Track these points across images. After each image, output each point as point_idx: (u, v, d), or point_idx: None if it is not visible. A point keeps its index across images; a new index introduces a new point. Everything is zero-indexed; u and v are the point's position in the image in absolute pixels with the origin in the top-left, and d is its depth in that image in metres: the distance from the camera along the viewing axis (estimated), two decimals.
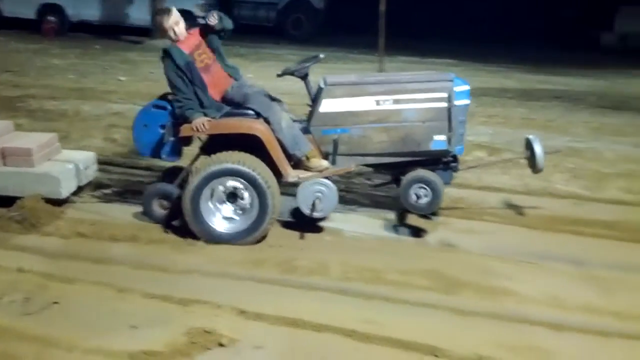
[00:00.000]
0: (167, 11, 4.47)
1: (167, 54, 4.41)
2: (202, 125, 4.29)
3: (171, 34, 4.44)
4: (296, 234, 4.55)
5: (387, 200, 5.21)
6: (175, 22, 4.44)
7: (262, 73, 10.30)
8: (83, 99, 8.54)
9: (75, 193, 5.00)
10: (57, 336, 3.16)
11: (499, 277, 4.00)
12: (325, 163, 4.50)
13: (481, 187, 5.63)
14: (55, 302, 3.50)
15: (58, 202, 4.77)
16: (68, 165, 4.94)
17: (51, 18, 14.87)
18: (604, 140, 7.17)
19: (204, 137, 4.55)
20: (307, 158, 4.49)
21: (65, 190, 4.81)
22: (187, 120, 4.34)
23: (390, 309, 3.57)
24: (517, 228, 4.88)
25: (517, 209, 5.20)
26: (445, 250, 4.43)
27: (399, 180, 4.67)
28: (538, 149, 4.81)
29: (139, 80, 9.93)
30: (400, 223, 4.84)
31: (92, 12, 15.12)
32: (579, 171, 6.07)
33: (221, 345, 3.12)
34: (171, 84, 4.39)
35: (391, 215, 4.96)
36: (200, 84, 4.37)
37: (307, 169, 4.50)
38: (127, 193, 5.26)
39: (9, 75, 10.04)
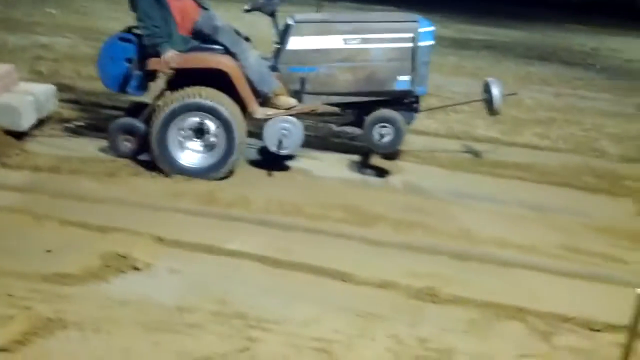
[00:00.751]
0: None
1: None
2: (171, 59, 4.21)
3: None
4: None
5: (348, 143, 5.26)
6: None
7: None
8: (8, 30, 8.19)
9: (35, 126, 4.84)
10: None
11: (416, 212, 4.19)
12: (292, 101, 4.50)
13: (407, 130, 5.78)
14: None
15: (17, 135, 4.61)
16: (28, 97, 4.77)
17: None
18: (528, 88, 7.44)
19: (169, 71, 4.44)
20: (275, 95, 4.48)
21: (25, 122, 4.64)
22: (155, 53, 4.24)
23: (306, 239, 3.70)
24: (438, 169, 5.09)
25: (439, 151, 5.39)
26: (366, 187, 4.57)
27: (362, 122, 4.73)
28: (496, 91, 4.95)
29: (70, 13, 9.56)
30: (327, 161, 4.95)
31: None
32: (499, 117, 6.30)
33: (136, 268, 3.18)
34: (143, 12, 4.22)
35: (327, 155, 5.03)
36: (171, 16, 4.26)
37: (274, 106, 4.49)
38: (89, 127, 5.13)
39: None
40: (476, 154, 5.43)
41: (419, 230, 3.94)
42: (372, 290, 3.23)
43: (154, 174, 4.33)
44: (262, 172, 4.64)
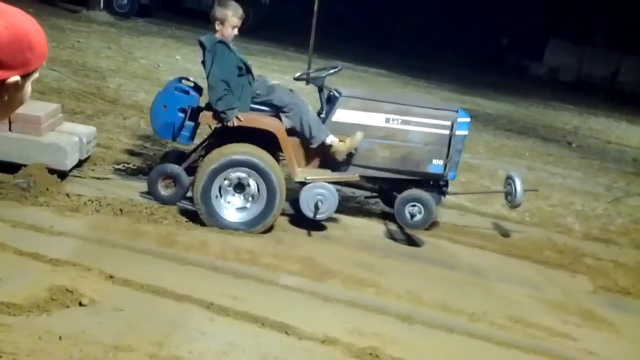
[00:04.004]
0: (236, 7, 4.49)
1: (223, 45, 4.42)
2: (234, 121, 4.40)
3: (228, 30, 4.46)
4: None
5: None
6: (240, 19, 4.49)
7: (189, 56, 10.34)
8: None
9: (75, 166, 4.93)
10: None
11: (367, 269, 4.24)
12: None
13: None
14: None
15: (59, 174, 4.68)
16: (74, 137, 4.88)
17: None
18: (500, 160, 7.60)
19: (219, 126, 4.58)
20: (337, 142, 4.62)
21: (70, 162, 4.73)
22: (218, 111, 4.39)
23: (257, 289, 3.74)
24: (396, 229, 5.16)
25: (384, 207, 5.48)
26: (321, 241, 4.64)
27: (385, 194, 4.93)
28: (519, 186, 5.14)
29: (63, 48, 9.76)
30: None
31: None
32: (470, 185, 6.44)
33: (81, 304, 3.20)
34: (217, 74, 4.38)
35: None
36: (246, 81, 4.50)
37: (335, 153, 4.62)
38: (126, 170, 5.23)
39: None
40: (439, 218, 5.52)
41: (366, 287, 3.99)
42: (314, 345, 3.26)
43: (71, 205, 4.37)
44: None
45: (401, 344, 3.40)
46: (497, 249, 5.14)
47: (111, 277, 3.51)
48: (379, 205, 5.55)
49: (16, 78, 1.25)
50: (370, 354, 3.24)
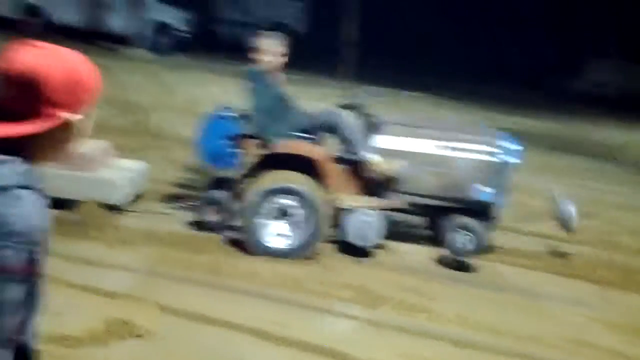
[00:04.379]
0: (279, 38, 4.65)
1: (266, 75, 4.57)
2: (273, 147, 4.49)
3: (271, 60, 4.60)
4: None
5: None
6: (282, 50, 4.64)
7: (231, 89, 10.52)
8: None
9: (128, 201, 5.05)
10: None
11: (416, 294, 4.21)
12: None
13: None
14: None
15: (111, 209, 4.81)
16: (126, 173, 5.05)
17: (31, 19, 14.97)
18: (546, 178, 7.48)
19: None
20: (379, 161, 4.61)
21: (121, 197, 4.87)
22: (262, 138, 4.51)
23: (305, 315, 3.75)
24: (442, 253, 5.07)
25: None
26: (368, 267, 4.62)
27: (433, 222, 4.92)
28: (573, 211, 5.07)
29: (105, 85, 9.99)
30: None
31: (71, 16, 15.27)
32: (515, 205, 6.33)
33: (138, 336, 3.26)
34: (260, 103, 4.51)
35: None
36: (288, 110, 4.62)
37: (375, 168, 4.61)
38: (176, 202, 5.37)
39: None
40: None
41: (417, 312, 3.95)
42: None
43: (123, 237, 4.45)
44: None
45: None
46: (547, 269, 5.04)
47: (163, 307, 3.57)
48: (424, 230, 5.51)
49: (73, 117, 1.27)
50: None
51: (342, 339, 3.48)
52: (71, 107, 1.26)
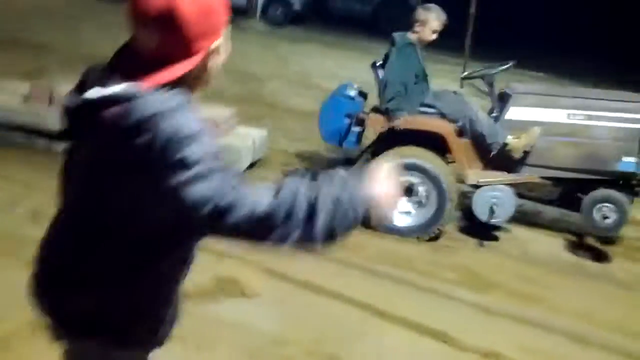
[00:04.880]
0: (440, 12, 4.47)
1: (412, 47, 4.42)
2: (400, 123, 4.33)
3: (427, 33, 4.44)
4: None
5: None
6: (441, 25, 4.45)
7: (343, 62, 10.47)
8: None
9: (247, 168, 5.12)
10: None
11: (532, 284, 3.96)
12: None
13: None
14: None
15: None
16: (248, 140, 5.12)
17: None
18: None
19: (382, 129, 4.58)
20: (513, 140, 4.36)
21: (243, 165, 4.93)
22: (388, 110, 4.38)
23: (413, 295, 3.62)
24: (564, 242, 4.75)
25: (564, 220, 5.04)
26: (481, 250, 4.40)
27: (574, 201, 4.59)
28: None
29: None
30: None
31: None
32: None
33: (246, 296, 3.27)
34: (398, 74, 4.36)
35: None
36: (421, 89, 4.45)
37: (511, 151, 4.36)
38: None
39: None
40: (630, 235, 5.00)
41: (535, 304, 3.71)
42: (476, 358, 3.06)
43: None
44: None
45: None
46: None
47: (271, 271, 3.55)
48: (546, 215, 5.18)
49: (216, 43, 1.33)
50: None
51: (451, 322, 3.31)
52: (212, 35, 1.32)
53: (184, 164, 1.18)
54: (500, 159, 4.44)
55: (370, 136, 4.91)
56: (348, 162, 4.93)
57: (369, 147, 4.85)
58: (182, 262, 1.44)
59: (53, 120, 5.04)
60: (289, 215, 1.19)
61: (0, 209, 3.92)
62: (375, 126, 4.56)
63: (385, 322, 3.25)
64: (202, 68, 1.32)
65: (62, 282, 1.37)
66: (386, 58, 4.55)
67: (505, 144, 4.36)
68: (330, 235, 1.24)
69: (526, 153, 4.41)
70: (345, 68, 10.11)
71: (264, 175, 5.13)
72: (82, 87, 1.32)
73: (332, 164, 5.06)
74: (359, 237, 4.21)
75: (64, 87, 5.11)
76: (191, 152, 1.19)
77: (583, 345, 3.33)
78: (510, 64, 4.74)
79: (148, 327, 1.41)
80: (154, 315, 1.41)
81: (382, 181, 1.32)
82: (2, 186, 4.23)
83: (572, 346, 3.32)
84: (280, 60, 10.49)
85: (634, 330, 3.56)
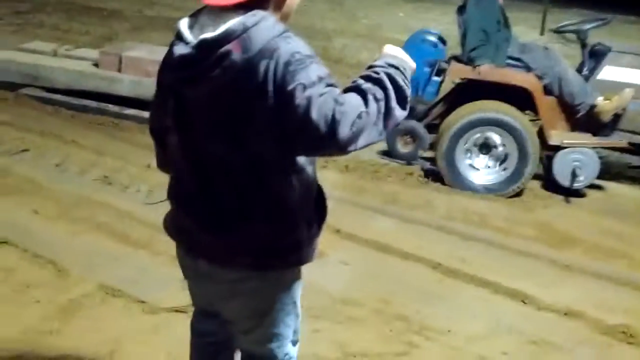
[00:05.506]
0: None
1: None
2: (484, 73, 4.13)
3: None
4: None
5: None
6: None
7: (413, 13, 10.12)
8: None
9: None
10: None
11: (615, 239, 3.72)
12: (628, 91, 4.07)
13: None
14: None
15: None
16: None
17: None
18: None
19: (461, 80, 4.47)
20: (603, 102, 4.12)
21: None
22: (470, 59, 4.17)
23: (487, 252, 3.46)
24: None
25: None
26: (560, 205, 4.17)
27: None
28: None
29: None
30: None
31: None
32: None
33: None
34: (479, 22, 4.18)
35: None
36: (504, 37, 4.23)
37: (600, 113, 4.12)
38: None
39: None
40: None
41: (618, 259, 3.48)
42: (555, 317, 2.91)
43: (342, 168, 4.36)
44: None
45: None
46: None
47: (338, 231, 3.48)
48: (624, 167, 4.85)
49: None
50: (624, 332, 2.81)
51: (528, 280, 3.15)
52: None
53: (307, 82, 1.32)
54: (587, 121, 4.17)
55: (448, 87, 4.70)
56: (422, 113, 4.67)
57: (445, 97, 4.64)
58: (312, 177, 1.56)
59: (123, 85, 5.17)
60: (378, 108, 1.38)
61: (73, 175, 4.02)
62: (456, 76, 4.34)
63: (458, 281, 3.14)
64: None
65: (228, 221, 1.48)
66: (463, 6, 4.31)
67: (594, 106, 4.08)
68: (404, 107, 1.43)
69: (616, 116, 4.12)
70: (417, 19, 9.80)
71: None
72: (180, 38, 1.42)
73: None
74: (428, 195, 4.10)
75: (133, 52, 5.24)
76: (312, 70, 1.34)
77: None
78: (608, 18, 4.38)
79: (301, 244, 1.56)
80: (300, 232, 1.54)
81: (398, 50, 1.55)
82: (74, 152, 4.33)
83: None
84: (348, 15, 10.26)
85: None
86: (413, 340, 2.63)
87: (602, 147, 4.32)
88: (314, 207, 1.59)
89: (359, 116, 1.33)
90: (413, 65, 1.54)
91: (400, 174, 4.40)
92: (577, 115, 4.17)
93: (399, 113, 1.40)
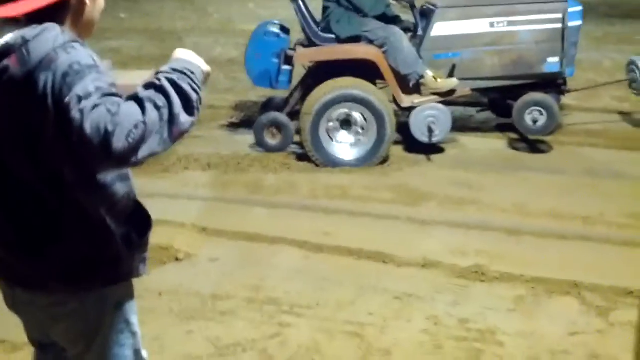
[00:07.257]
0: None
1: None
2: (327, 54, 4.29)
3: None
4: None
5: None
6: None
7: (263, 2, 10.20)
8: None
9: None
10: None
11: (466, 188, 4.01)
12: (454, 81, 4.37)
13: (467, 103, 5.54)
14: None
15: None
16: None
17: None
18: (605, 49, 6.93)
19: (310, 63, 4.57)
20: (430, 80, 4.37)
21: None
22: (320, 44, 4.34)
23: (349, 222, 3.63)
24: (494, 140, 4.84)
25: (493, 120, 5.16)
26: (412, 165, 4.42)
27: (498, 105, 4.76)
28: None
29: (137, 16, 9.88)
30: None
31: None
32: (573, 81, 5.90)
33: (177, 259, 3.23)
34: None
35: None
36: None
37: (424, 85, 4.40)
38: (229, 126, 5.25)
39: None
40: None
41: (469, 206, 3.76)
42: (414, 271, 3.11)
43: (163, 166, 4.35)
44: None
45: (509, 259, 3.19)
46: (610, 145, 4.73)
47: (204, 229, 3.52)
48: (472, 120, 5.22)
49: None
50: (476, 272, 3.06)
51: (388, 241, 3.35)
52: None
53: (83, 94, 1.27)
54: (419, 88, 4.46)
55: (301, 73, 4.80)
56: (281, 103, 4.77)
57: (299, 83, 4.76)
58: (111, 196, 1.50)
59: None
60: (160, 115, 1.31)
61: None
62: (303, 61, 4.47)
63: (323, 254, 3.27)
64: (70, 9, 1.39)
65: (39, 245, 1.45)
66: None
67: (422, 76, 4.36)
68: (192, 113, 1.37)
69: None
70: (267, 7, 9.87)
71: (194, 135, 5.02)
72: None
73: (265, 108, 4.88)
74: (291, 178, 4.21)
75: None
76: (89, 80, 1.29)
77: (517, 237, 3.41)
78: None
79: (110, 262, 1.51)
80: (110, 251, 1.50)
81: (189, 54, 1.48)
82: None
83: (507, 240, 3.39)
84: (199, 13, 10.17)
85: (565, 213, 3.65)
86: (284, 320, 2.73)
87: (449, 100, 4.55)
88: (131, 221, 1.55)
89: (136, 126, 1.27)
90: (206, 67, 1.47)
91: (263, 161, 4.47)
92: (410, 83, 4.43)
93: (185, 119, 1.34)
